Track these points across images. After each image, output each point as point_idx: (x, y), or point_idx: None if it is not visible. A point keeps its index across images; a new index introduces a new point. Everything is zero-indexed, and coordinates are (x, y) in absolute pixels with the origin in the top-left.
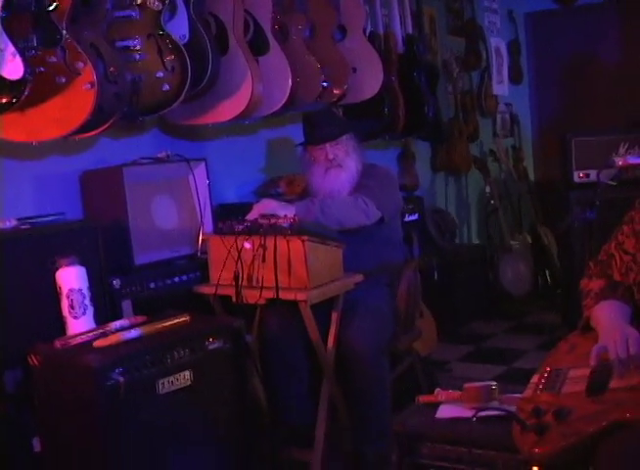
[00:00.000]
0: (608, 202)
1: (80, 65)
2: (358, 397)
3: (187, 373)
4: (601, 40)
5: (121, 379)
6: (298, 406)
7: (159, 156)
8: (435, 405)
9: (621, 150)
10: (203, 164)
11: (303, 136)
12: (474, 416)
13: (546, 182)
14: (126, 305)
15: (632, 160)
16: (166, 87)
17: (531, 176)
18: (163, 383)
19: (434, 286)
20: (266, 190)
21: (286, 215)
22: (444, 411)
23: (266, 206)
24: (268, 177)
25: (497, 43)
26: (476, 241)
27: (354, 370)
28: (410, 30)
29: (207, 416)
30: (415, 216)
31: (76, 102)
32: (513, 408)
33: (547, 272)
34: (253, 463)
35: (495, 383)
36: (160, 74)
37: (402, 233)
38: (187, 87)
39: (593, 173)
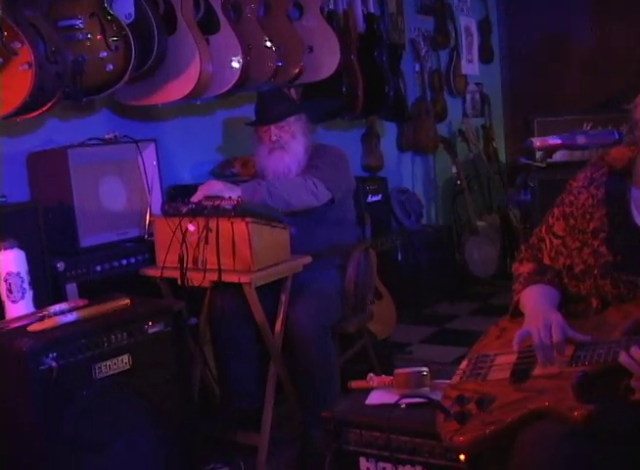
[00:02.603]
0: (545, 183)
1: (17, 44)
2: (304, 379)
3: (125, 357)
4: (573, 19)
5: (54, 364)
6: (247, 389)
7: (106, 137)
8: (368, 391)
9: (582, 130)
10: (152, 145)
11: (254, 116)
12: (396, 403)
13: (516, 163)
14: (71, 288)
15: (552, 140)
16: (110, 67)
17: (502, 157)
18: (100, 367)
19: (397, 267)
20: (221, 171)
21: (230, 197)
22: (374, 397)
23: (211, 187)
24: (224, 158)
25: (467, 22)
26: (441, 222)
27: (299, 351)
28: (372, 9)
29: (148, 400)
30: (378, 197)
31: (14, 83)
32: (440, 396)
33: (515, 254)
34: (198, 447)
35: (426, 369)
36: (104, 54)
37: (355, 214)
38: (131, 67)
39: (555, 154)
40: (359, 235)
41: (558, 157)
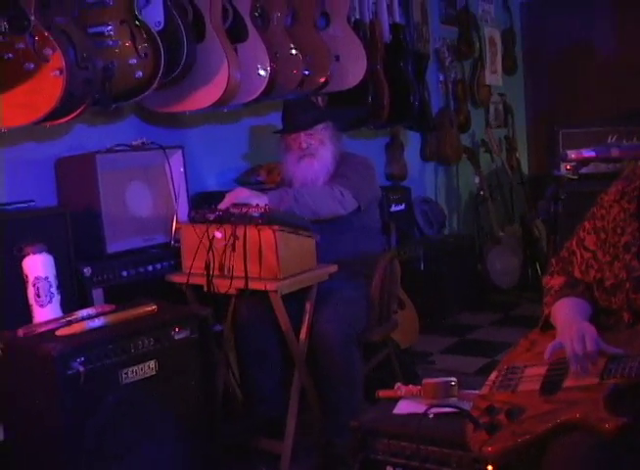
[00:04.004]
0: (576, 195)
1: (49, 51)
2: (328, 387)
3: (152, 363)
4: (597, 30)
5: (82, 368)
6: (270, 396)
7: (134, 143)
8: (396, 400)
9: (610, 142)
10: (179, 152)
11: (282, 124)
12: (426, 412)
13: (539, 174)
14: (97, 293)
15: (586, 153)
16: (139, 74)
17: (525, 167)
18: (127, 372)
19: (420, 277)
20: (247, 178)
21: (258, 205)
22: (402, 407)
23: (239, 194)
24: (249, 165)
25: (491, 32)
26: (463, 232)
27: (324, 360)
28: (398, 19)
29: (173, 407)
30: (402, 207)
31: (45, 88)
32: (468, 406)
33: (537, 265)
34: (221, 454)
35: (455, 379)
36: (134, 61)
37: (381, 223)
38: (160, 74)
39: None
40: (384, 244)
41: (584, 169)
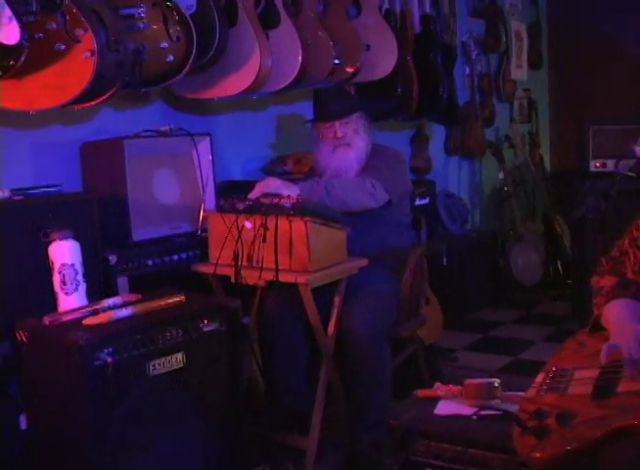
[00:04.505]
0: (624, 193)
1: (80, 32)
2: (356, 383)
3: (179, 355)
4: (626, 26)
5: (110, 359)
6: (296, 390)
7: (162, 129)
8: (434, 400)
9: None
10: (207, 139)
11: (313, 112)
12: (474, 415)
13: (562, 170)
14: (122, 281)
15: None
16: (170, 58)
17: (547, 164)
18: (154, 365)
19: (442, 272)
20: (273, 168)
21: (289, 195)
22: (443, 408)
23: (269, 184)
24: (276, 155)
25: (517, 26)
26: (486, 228)
27: (354, 355)
28: (428, 10)
29: (200, 399)
30: (426, 200)
31: (75, 70)
32: (514, 408)
33: (559, 262)
34: (247, 447)
35: (498, 380)
36: (165, 45)
37: (411, 217)
38: (192, 59)
39: (610, 163)
40: (414, 239)
41: (611, 166)
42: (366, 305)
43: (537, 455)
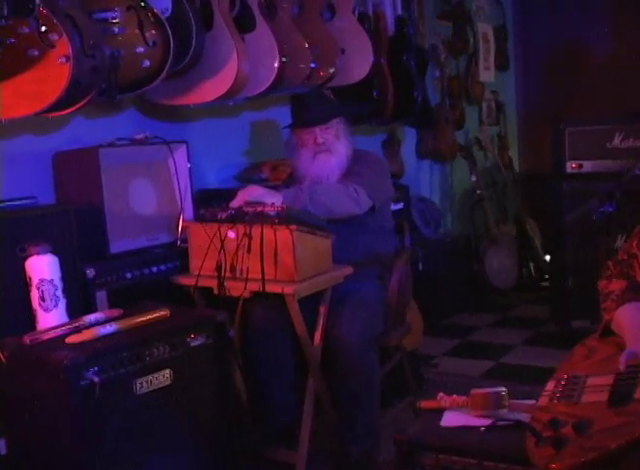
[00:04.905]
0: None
1: (55, 36)
2: (345, 394)
3: (167, 372)
4: (591, 27)
5: (96, 379)
6: (283, 403)
7: (137, 137)
8: (438, 412)
9: (616, 140)
10: (183, 147)
11: (292, 118)
12: (490, 426)
13: (534, 172)
14: (101, 296)
15: None
16: (147, 63)
17: (515, 166)
18: (141, 382)
19: (418, 277)
20: (249, 175)
21: (273, 203)
22: (449, 419)
23: (252, 192)
24: (251, 162)
25: (484, 28)
26: (459, 232)
27: (342, 366)
28: (400, 12)
29: (189, 416)
30: (400, 205)
31: (50, 76)
32: (525, 417)
33: (531, 265)
34: (238, 464)
35: (505, 389)
36: (141, 49)
37: (393, 222)
38: (169, 64)
39: (586, 164)
40: (397, 244)
41: (588, 167)
42: (354, 313)
43: (555, 466)
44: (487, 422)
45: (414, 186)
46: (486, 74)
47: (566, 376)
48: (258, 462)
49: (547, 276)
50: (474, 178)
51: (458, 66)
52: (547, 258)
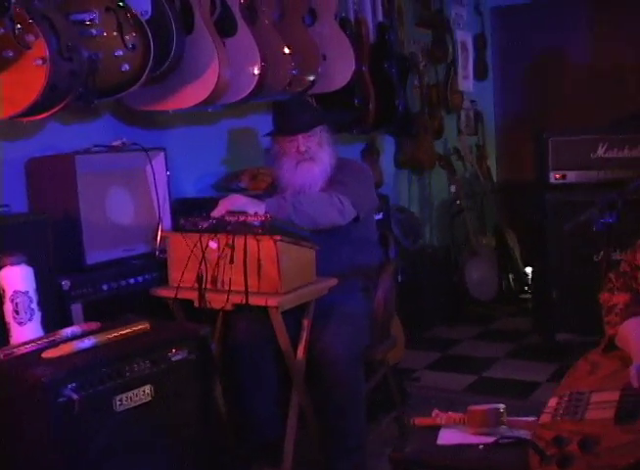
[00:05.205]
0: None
1: (31, 38)
2: (331, 409)
3: (147, 388)
4: (570, 37)
5: (75, 396)
6: (266, 418)
7: (114, 144)
8: (434, 429)
9: (600, 151)
10: (162, 155)
11: (273, 125)
12: (491, 444)
13: (510, 182)
14: (76, 308)
15: None
16: (126, 67)
17: (494, 176)
18: (121, 399)
19: (398, 289)
20: (227, 184)
21: (256, 213)
22: (447, 437)
23: (234, 201)
24: (229, 171)
25: (463, 37)
26: (438, 243)
27: (329, 380)
28: (381, 18)
29: (170, 434)
30: (380, 216)
31: (26, 79)
32: (525, 435)
33: (510, 276)
34: None
35: (503, 405)
36: (120, 53)
37: (377, 233)
38: (149, 68)
39: (570, 174)
40: (381, 256)
41: (572, 178)
42: (340, 327)
43: None
44: (486, 440)
45: (392, 196)
46: (465, 83)
47: (569, 392)
48: None
49: (527, 288)
50: (453, 189)
51: (437, 74)
52: (527, 269)
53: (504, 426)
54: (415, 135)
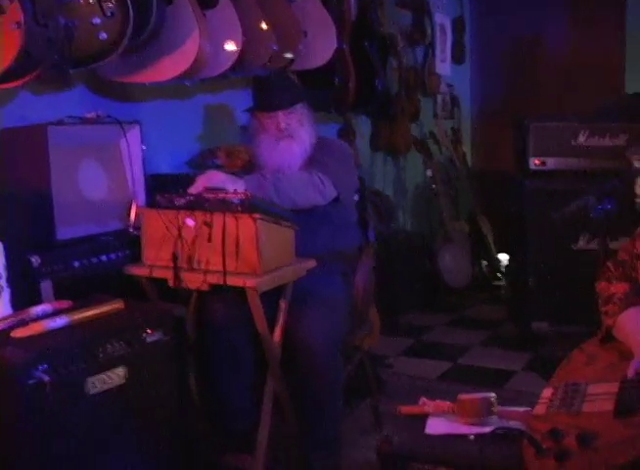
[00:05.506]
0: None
1: (6, 2)
2: (309, 397)
3: (121, 370)
4: (548, 23)
5: (46, 378)
6: (240, 405)
7: (88, 116)
8: (421, 418)
9: (581, 138)
10: (137, 129)
11: (253, 101)
12: (489, 434)
13: (484, 168)
14: (46, 286)
15: None
16: (103, 36)
17: (468, 161)
18: (94, 382)
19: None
20: (202, 161)
21: (236, 190)
22: (435, 426)
23: (213, 178)
24: (203, 147)
25: (442, 20)
26: (411, 228)
27: (307, 368)
28: None
29: (143, 418)
30: (355, 198)
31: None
32: (516, 425)
33: (484, 264)
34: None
35: (494, 395)
36: (97, 21)
37: (357, 215)
38: (127, 37)
39: (550, 161)
40: (361, 239)
41: (552, 165)
42: (319, 313)
43: None
44: (476, 430)
45: (367, 179)
46: (443, 67)
47: (564, 383)
48: (214, 468)
49: (500, 275)
50: (429, 173)
51: (415, 56)
52: (501, 256)
53: (495, 416)
54: (392, 118)
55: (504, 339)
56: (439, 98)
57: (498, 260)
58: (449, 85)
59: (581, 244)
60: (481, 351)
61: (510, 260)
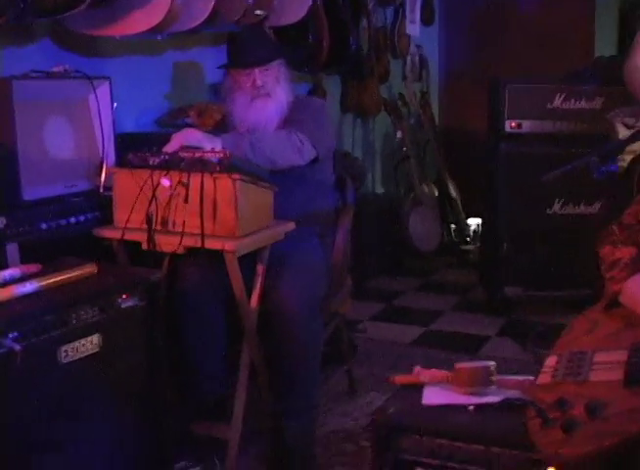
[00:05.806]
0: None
1: None
2: (286, 364)
3: (95, 337)
4: None
5: (17, 346)
6: (213, 373)
7: (54, 70)
8: (417, 388)
9: (557, 101)
10: (107, 84)
11: (227, 57)
12: (499, 404)
13: (452, 131)
14: (12, 249)
15: None
16: None
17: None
18: (67, 350)
19: None
20: (172, 120)
21: (213, 149)
22: (432, 396)
23: (189, 136)
24: (172, 105)
25: None
26: (381, 190)
27: (284, 334)
28: None
29: (115, 387)
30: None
31: None
32: (516, 395)
33: (452, 227)
34: (165, 438)
35: (494, 363)
36: None
37: (334, 177)
38: None
39: (525, 123)
40: (337, 201)
41: (527, 127)
42: (296, 276)
43: (566, 452)
44: (475, 400)
45: (336, 141)
46: (412, 28)
47: (568, 352)
48: (188, 437)
49: (469, 239)
50: (399, 134)
51: (385, 17)
52: (469, 220)
53: (494, 386)
54: (362, 78)
55: (474, 303)
56: (409, 59)
57: (467, 224)
58: (418, 46)
59: (556, 208)
60: (453, 315)
61: (482, 225)
